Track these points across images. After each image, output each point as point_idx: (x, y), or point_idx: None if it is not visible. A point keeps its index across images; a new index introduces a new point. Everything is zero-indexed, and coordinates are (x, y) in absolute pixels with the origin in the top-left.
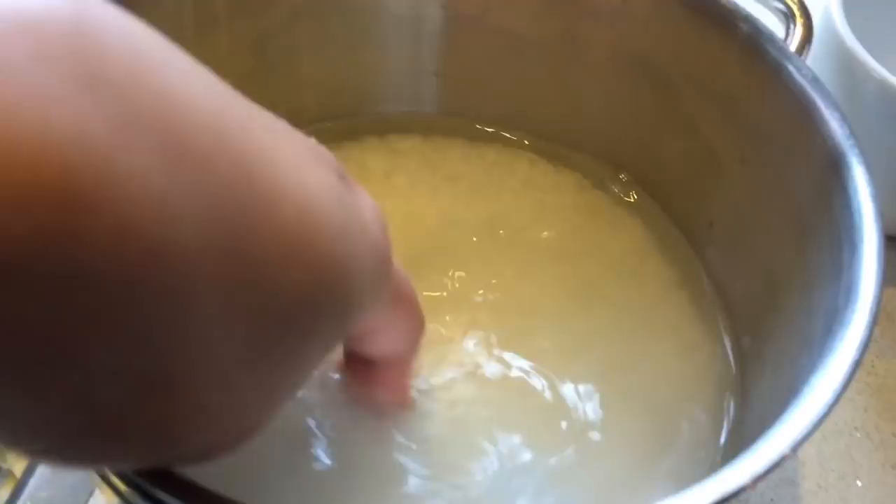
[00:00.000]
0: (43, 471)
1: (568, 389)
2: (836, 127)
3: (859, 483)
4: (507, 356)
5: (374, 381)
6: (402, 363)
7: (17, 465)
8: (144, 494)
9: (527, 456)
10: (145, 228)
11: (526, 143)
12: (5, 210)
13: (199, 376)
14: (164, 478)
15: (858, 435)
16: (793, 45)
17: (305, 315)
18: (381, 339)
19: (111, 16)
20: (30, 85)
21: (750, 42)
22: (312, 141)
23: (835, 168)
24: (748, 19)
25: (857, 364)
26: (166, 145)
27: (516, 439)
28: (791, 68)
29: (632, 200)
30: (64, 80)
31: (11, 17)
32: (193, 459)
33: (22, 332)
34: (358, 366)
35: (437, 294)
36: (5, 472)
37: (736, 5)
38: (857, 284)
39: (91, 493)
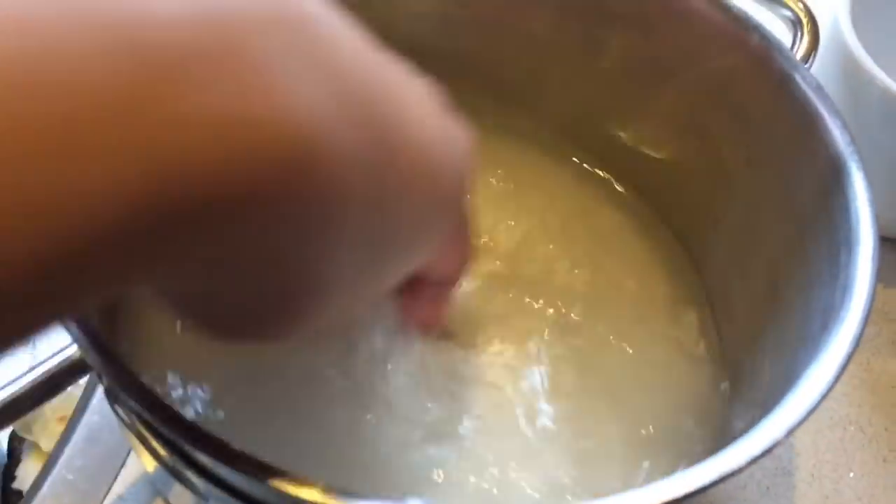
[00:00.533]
0: (76, 441)
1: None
2: (837, 135)
3: (851, 474)
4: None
5: (418, 298)
6: (446, 285)
7: (43, 438)
8: (183, 457)
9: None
10: (336, 169)
11: (536, 137)
12: (257, 161)
13: (324, 263)
14: (202, 440)
15: (852, 428)
16: (800, 52)
17: (413, 232)
18: (440, 260)
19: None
20: (283, 73)
21: (760, 51)
22: (425, 83)
23: (835, 174)
24: (758, 29)
25: (850, 356)
26: (351, 111)
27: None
28: (798, 78)
29: (627, 198)
30: (301, 70)
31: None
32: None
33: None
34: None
35: None
36: (31, 444)
37: (747, 15)
38: (852, 284)
39: (123, 463)
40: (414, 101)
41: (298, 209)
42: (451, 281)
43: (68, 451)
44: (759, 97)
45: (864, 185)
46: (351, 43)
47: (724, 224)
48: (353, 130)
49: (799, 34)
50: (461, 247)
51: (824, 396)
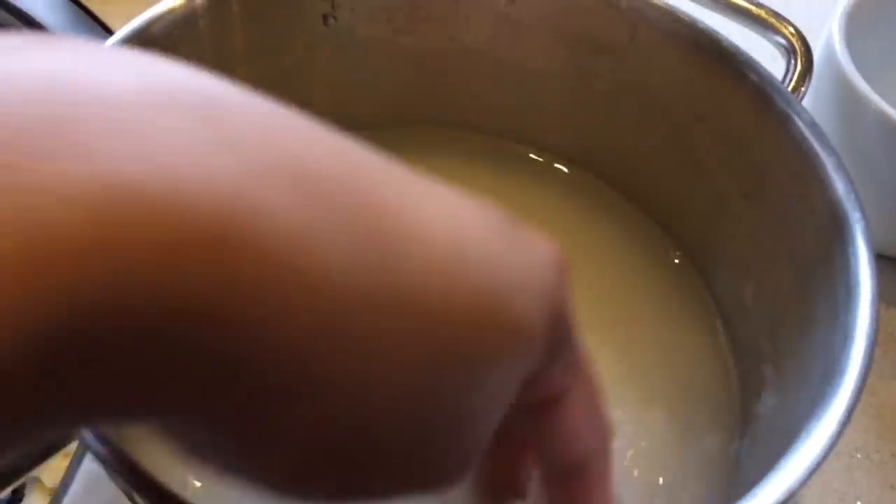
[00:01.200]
0: (76, 490)
1: None
2: (835, 177)
3: (859, 503)
4: None
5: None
6: (593, 472)
7: (46, 473)
8: None
9: None
10: (286, 259)
11: (531, 161)
12: (164, 254)
13: (378, 413)
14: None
15: (859, 455)
16: (794, 78)
17: (476, 353)
18: (565, 428)
19: (234, 92)
20: (185, 144)
21: (756, 89)
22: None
23: (833, 217)
24: (755, 67)
25: (851, 411)
26: (296, 187)
27: None
28: (795, 117)
29: (639, 224)
30: (208, 142)
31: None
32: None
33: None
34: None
35: None
36: (33, 479)
37: (742, 52)
38: (853, 331)
39: None
40: (428, 196)
41: (249, 309)
42: (587, 462)
43: (74, 488)
44: (754, 134)
45: (863, 226)
46: (284, 121)
47: (723, 259)
48: (303, 210)
49: (792, 60)
50: (588, 406)
51: (825, 457)
